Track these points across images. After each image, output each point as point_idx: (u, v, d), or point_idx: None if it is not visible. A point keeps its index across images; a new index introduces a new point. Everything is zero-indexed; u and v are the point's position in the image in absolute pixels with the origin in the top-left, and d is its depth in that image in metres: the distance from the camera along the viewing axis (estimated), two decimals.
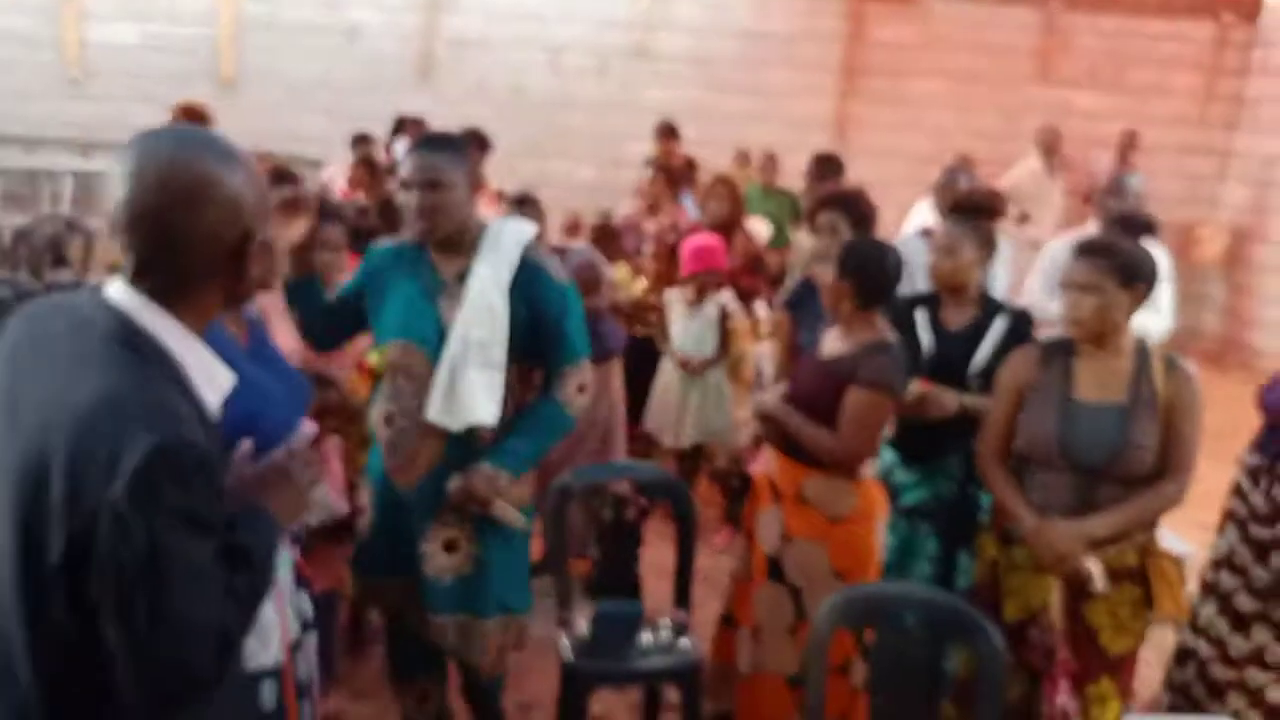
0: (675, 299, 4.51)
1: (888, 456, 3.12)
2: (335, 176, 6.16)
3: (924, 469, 3.04)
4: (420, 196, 2.40)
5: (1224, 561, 3.05)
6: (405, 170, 2.45)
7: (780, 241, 6.42)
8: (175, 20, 8.82)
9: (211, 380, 1.36)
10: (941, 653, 2.47)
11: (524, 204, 4.03)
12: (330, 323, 2.63)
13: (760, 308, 4.81)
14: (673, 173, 5.44)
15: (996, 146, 8.12)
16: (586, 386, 2.56)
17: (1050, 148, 7.38)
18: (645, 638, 2.84)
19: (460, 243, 2.47)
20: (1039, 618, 2.51)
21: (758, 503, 2.95)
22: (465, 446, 2.45)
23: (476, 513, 2.45)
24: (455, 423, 2.42)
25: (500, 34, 8.82)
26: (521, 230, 2.54)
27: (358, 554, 2.66)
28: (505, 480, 2.44)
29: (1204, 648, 3.04)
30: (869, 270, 2.76)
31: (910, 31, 8.56)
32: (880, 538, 2.86)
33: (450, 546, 2.51)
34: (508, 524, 2.47)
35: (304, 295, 2.60)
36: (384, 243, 2.66)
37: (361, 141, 6.25)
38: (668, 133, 7.50)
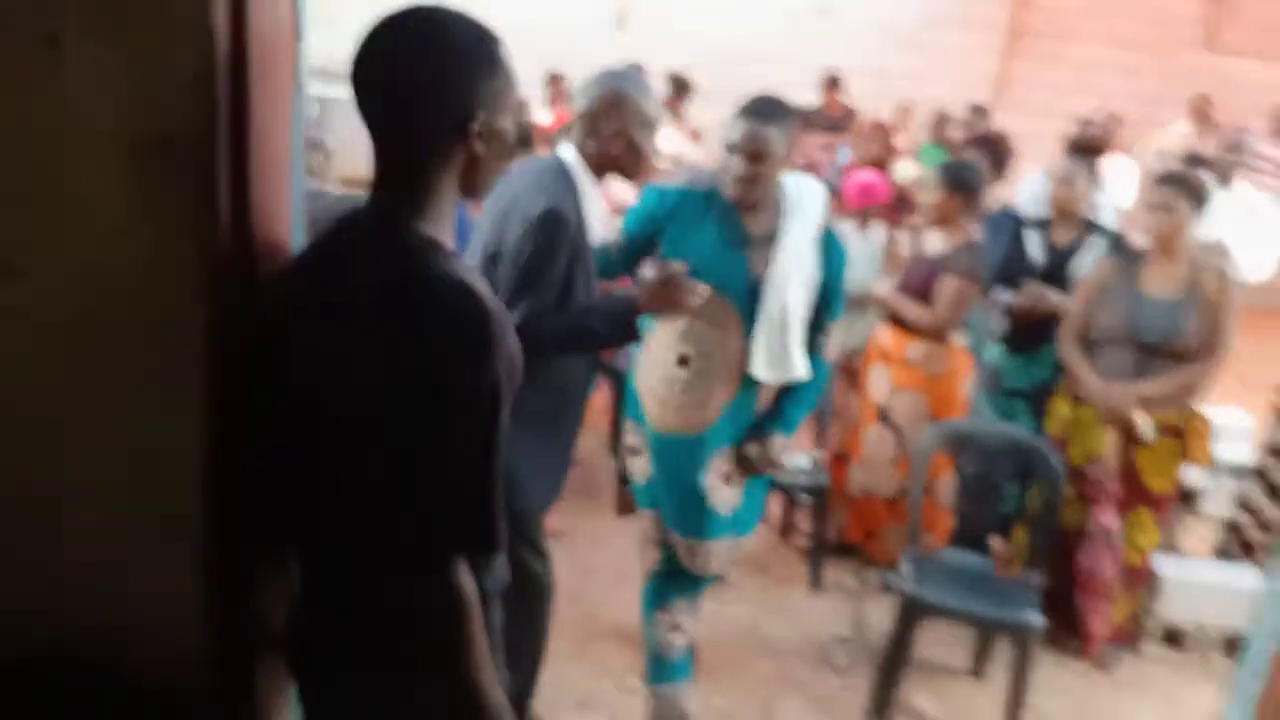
0: (844, 230, 5.31)
1: (995, 350, 3.91)
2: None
3: (1025, 358, 3.80)
4: (744, 165, 2.47)
5: (1271, 449, 3.75)
6: (732, 135, 2.50)
7: None
8: None
9: (593, 220, 2.33)
10: (1014, 477, 3.28)
11: None
12: (620, 266, 2.69)
13: (902, 237, 5.59)
14: (807, 118, 6.34)
15: (1156, 111, 8.46)
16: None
17: (1201, 114, 7.71)
18: (789, 461, 3.76)
19: (765, 200, 2.55)
20: (1095, 460, 3.29)
21: (868, 362, 3.83)
22: (751, 392, 2.61)
23: (770, 474, 2.72)
24: (781, 377, 2.58)
25: None
26: (818, 191, 2.62)
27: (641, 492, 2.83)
28: (786, 443, 2.68)
29: (1242, 517, 3.76)
30: (968, 184, 3.58)
31: None
32: (966, 391, 3.70)
33: (727, 479, 2.66)
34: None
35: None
36: (669, 184, 2.75)
37: (554, 80, 7.59)
38: (830, 84, 8.29)
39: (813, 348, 2.63)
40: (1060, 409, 3.44)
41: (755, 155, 2.45)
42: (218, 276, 1.26)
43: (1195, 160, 4.35)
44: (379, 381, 1.20)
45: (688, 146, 6.35)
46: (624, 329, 2.29)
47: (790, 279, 2.50)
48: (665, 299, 2.25)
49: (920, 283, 3.64)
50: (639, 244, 2.64)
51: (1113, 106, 7.95)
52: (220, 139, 1.25)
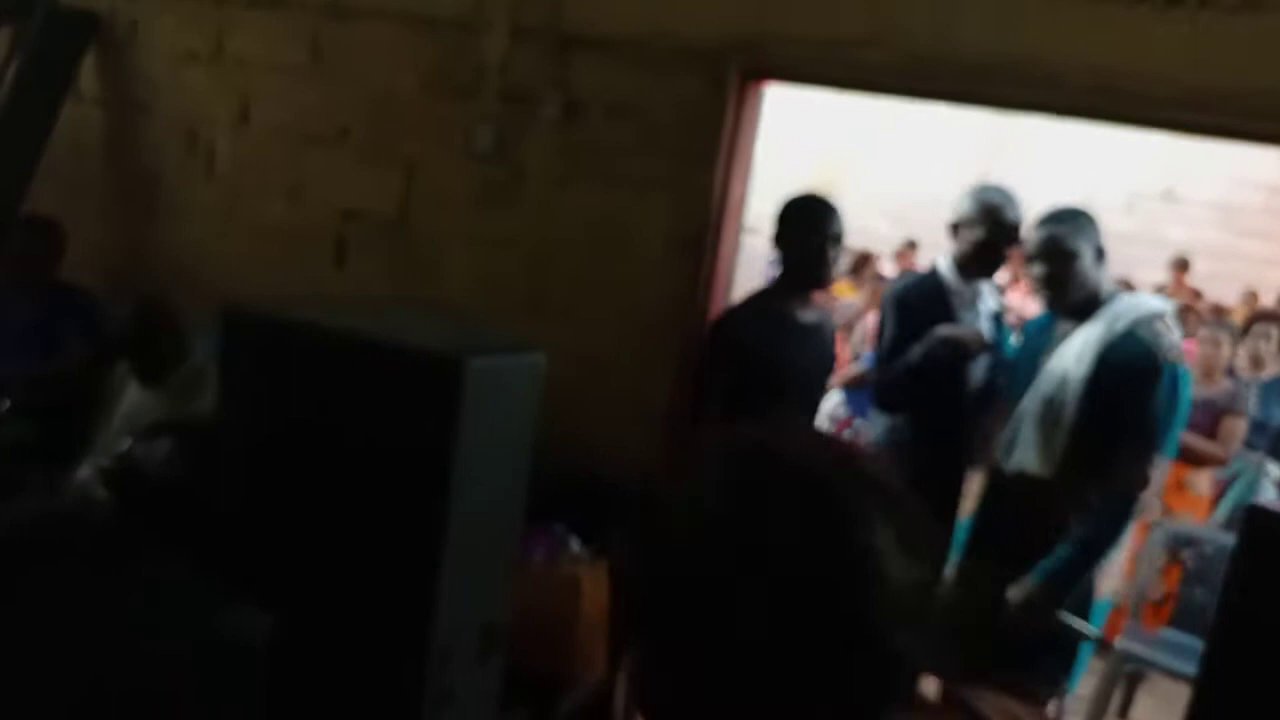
0: None
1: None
2: None
3: None
4: (1043, 267, 2.53)
5: None
6: (1030, 243, 2.58)
7: None
8: None
9: (983, 308, 2.88)
10: None
11: None
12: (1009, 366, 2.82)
13: None
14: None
15: None
16: (1150, 484, 2.48)
17: None
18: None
19: (1087, 308, 2.53)
20: None
21: None
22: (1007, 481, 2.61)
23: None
24: (1008, 463, 2.59)
25: (1044, 174, 10.54)
26: (1140, 304, 2.56)
27: None
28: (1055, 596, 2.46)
29: None
30: None
31: None
32: None
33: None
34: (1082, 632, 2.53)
35: None
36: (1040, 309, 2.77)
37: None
38: (1179, 265, 8.81)
39: (1112, 484, 2.46)
40: None
41: (1051, 255, 2.52)
42: (701, 306, 2.73)
43: None
44: None
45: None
46: (930, 353, 2.63)
47: (1051, 378, 2.53)
48: (959, 337, 2.66)
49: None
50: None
51: None
52: (708, 243, 2.71)
